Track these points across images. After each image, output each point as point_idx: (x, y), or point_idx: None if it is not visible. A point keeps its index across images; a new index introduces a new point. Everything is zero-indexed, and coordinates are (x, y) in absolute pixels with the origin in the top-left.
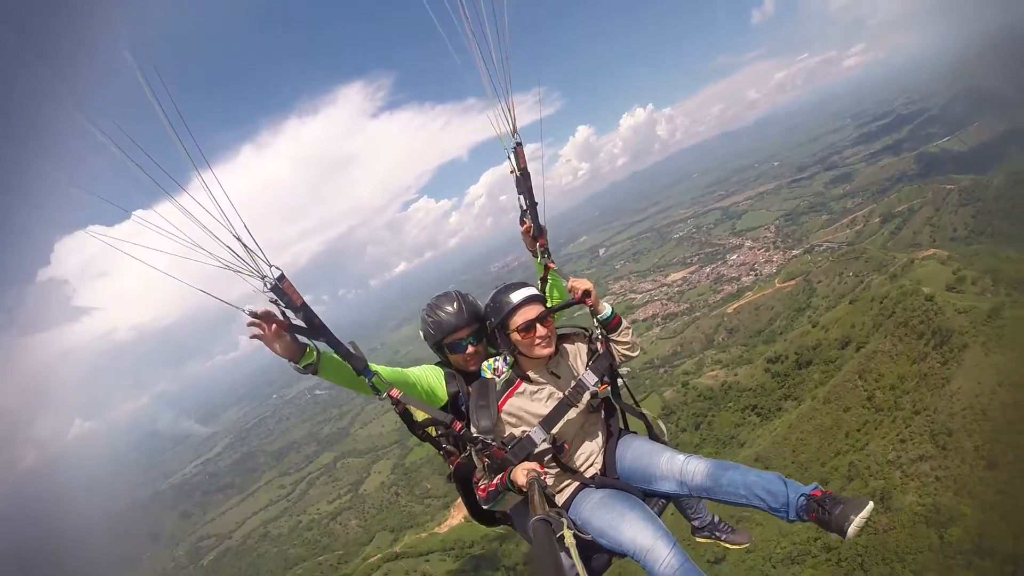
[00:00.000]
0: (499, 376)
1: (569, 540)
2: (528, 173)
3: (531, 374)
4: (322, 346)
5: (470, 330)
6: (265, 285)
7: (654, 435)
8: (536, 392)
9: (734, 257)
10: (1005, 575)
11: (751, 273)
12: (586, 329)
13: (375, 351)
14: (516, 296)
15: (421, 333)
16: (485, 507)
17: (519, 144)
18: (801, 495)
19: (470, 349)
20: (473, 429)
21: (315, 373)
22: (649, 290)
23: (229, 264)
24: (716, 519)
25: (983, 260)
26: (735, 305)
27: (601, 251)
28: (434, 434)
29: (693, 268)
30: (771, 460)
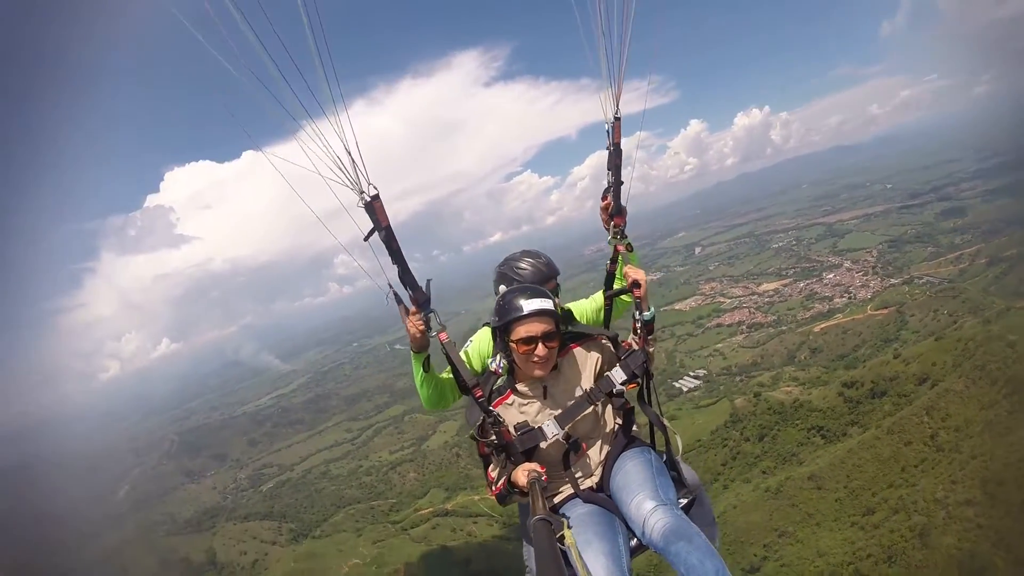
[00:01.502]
0: (496, 375)
1: (569, 540)
2: (620, 150)
3: (520, 386)
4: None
5: (550, 288)
6: (360, 200)
7: (669, 451)
8: (524, 405)
9: (831, 276)
10: None
11: (845, 295)
12: (610, 334)
13: (459, 315)
14: (527, 304)
15: (495, 291)
16: (501, 505)
17: (618, 119)
18: None
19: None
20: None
21: (427, 369)
22: (739, 296)
23: (335, 175)
24: None
25: None
26: (823, 325)
27: (697, 250)
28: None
29: (787, 281)
30: (825, 481)
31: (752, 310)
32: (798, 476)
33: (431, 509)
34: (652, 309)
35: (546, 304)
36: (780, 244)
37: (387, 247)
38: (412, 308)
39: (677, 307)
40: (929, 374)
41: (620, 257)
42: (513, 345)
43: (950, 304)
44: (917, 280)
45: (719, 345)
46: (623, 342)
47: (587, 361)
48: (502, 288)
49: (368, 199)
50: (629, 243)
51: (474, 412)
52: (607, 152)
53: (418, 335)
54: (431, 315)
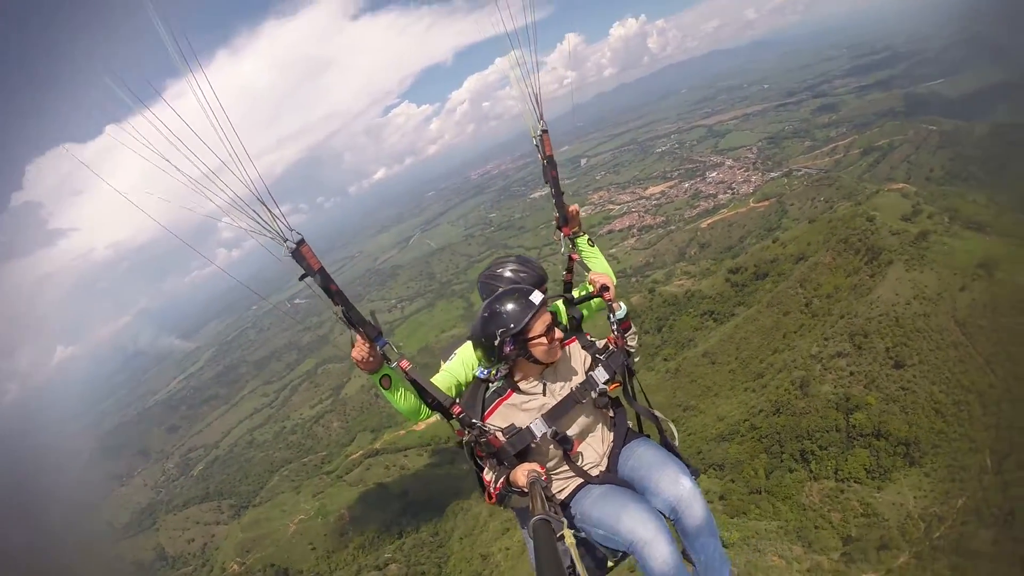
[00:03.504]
0: (492, 382)
1: (569, 540)
2: (554, 161)
3: (522, 384)
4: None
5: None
6: (286, 249)
7: (665, 439)
8: (526, 403)
9: (714, 175)
10: (896, 454)
11: (728, 191)
12: (595, 341)
13: (354, 259)
14: (535, 298)
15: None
16: (500, 506)
17: (545, 132)
18: None
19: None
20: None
21: (387, 388)
22: (627, 202)
23: (254, 227)
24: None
25: (948, 200)
26: (709, 221)
27: (582, 161)
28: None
29: (672, 183)
30: (718, 356)
31: (641, 214)
32: (694, 355)
33: (361, 452)
34: (623, 306)
35: (541, 293)
36: (663, 148)
37: (324, 291)
38: (366, 344)
39: None
40: (805, 253)
41: (576, 264)
42: (536, 340)
43: (826, 192)
44: (796, 172)
45: (612, 250)
46: (608, 338)
47: (581, 357)
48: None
49: (293, 246)
50: (589, 238)
51: (469, 413)
52: (542, 167)
53: (368, 364)
54: (386, 346)
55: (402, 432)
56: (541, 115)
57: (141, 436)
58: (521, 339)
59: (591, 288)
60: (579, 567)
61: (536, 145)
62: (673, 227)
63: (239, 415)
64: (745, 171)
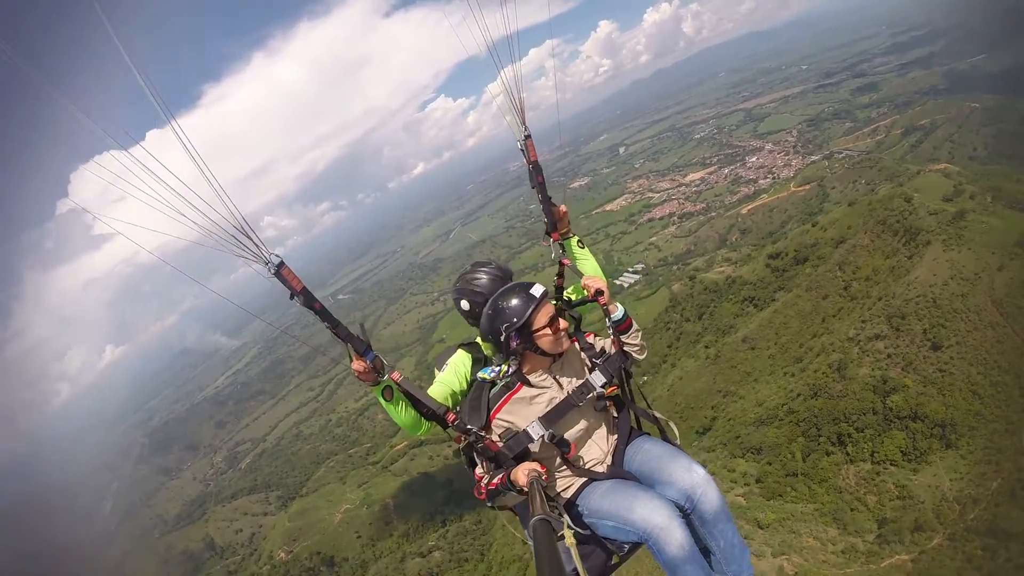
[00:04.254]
0: (499, 379)
1: (569, 540)
2: (540, 167)
3: (532, 378)
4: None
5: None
6: (268, 271)
7: (666, 438)
8: (536, 396)
9: (753, 159)
10: (933, 436)
11: (769, 176)
12: (594, 344)
13: (396, 254)
14: (536, 291)
15: (465, 306)
16: (489, 505)
17: (528, 137)
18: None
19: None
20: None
21: (389, 400)
22: (667, 189)
23: (236, 251)
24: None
25: (991, 179)
26: (750, 207)
27: (621, 150)
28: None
29: (712, 169)
30: (757, 341)
31: (681, 201)
32: (733, 341)
33: (405, 443)
34: (620, 308)
35: (543, 288)
36: (702, 134)
37: (309, 308)
38: (356, 358)
39: (608, 208)
40: (845, 236)
41: (568, 270)
42: (541, 332)
43: (868, 174)
44: (837, 155)
45: (653, 239)
46: (610, 340)
47: (582, 358)
48: (464, 303)
49: (274, 269)
50: (579, 240)
51: (472, 417)
52: (527, 170)
53: (366, 376)
54: (376, 358)
55: None
56: (524, 121)
57: (190, 431)
58: (526, 332)
59: (585, 293)
60: (579, 567)
61: (521, 150)
62: (714, 214)
63: (285, 409)
64: (785, 155)
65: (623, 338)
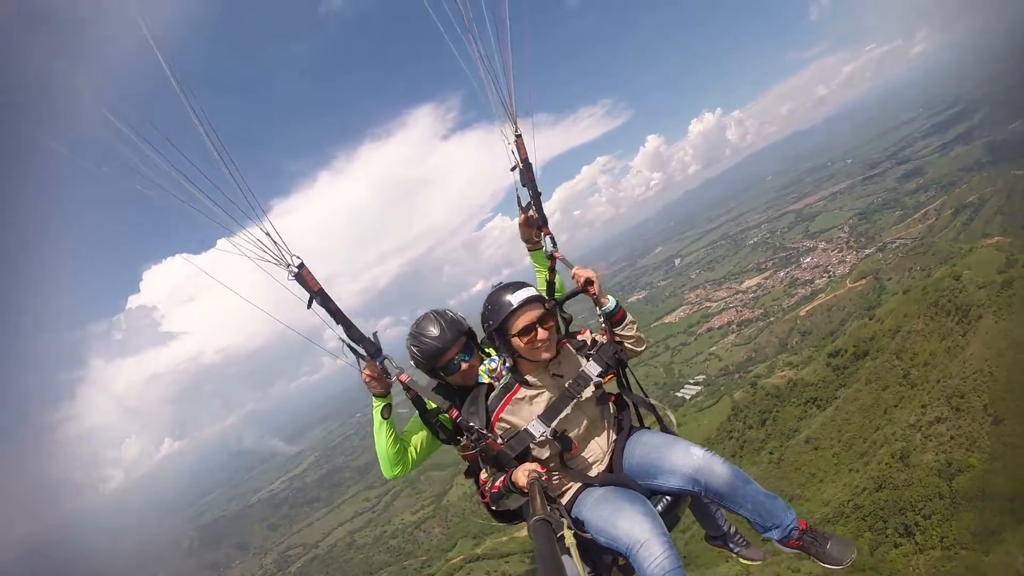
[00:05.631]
0: (497, 380)
1: (570, 540)
2: (530, 164)
3: (530, 378)
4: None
5: (458, 347)
6: (289, 273)
7: (664, 427)
8: (535, 396)
9: (808, 260)
10: (1003, 513)
11: (824, 275)
12: (588, 338)
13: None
14: (515, 297)
15: (412, 363)
16: (493, 508)
17: (519, 136)
18: (792, 520)
19: (464, 366)
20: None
21: (385, 418)
22: (724, 298)
23: (259, 254)
24: (732, 530)
25: None
26: (808, 308)
27: (676, 261)
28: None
29: (767, 273)
30: (820, 441)
31: (739, 308)
32: (796, 443)
33: (462, 557)
34: (611, 299)
35: (529, 292)
36: (755, 239)
37: (325, 309)
38: (368, 361)
39: (666, 320)
40: (902, 325)
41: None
42: (516, 339)
43: (922, 260)
44: (890, 245)
45: (713, 348)
46: (599, 332)
47: (577, 357)
48: (414, 350)
49: (295, 271)
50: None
51: (471, 420)
52: (517, 170)
53: (375, 384)
54: (385, 361)
55: (504, 538)
56: (515, 120)
57: (241, 531)
58: (503, 335)
59: (576, 283)
60: (579, 567)
61: (512, 151)
62: (772, 318)
63: (340, 517)
64: (839, 252)
65: (616, 330)
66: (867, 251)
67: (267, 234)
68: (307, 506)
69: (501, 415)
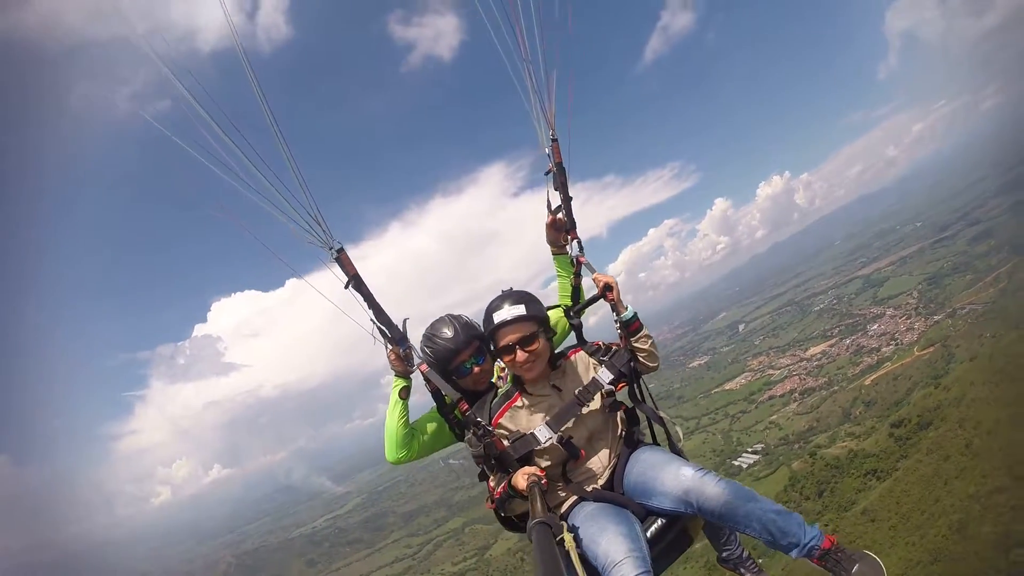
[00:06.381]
0: (503, 382)
1: (569, 543)
2: (563, 168)
3: (529, 388)
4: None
5: (471, 351)
6: (331, 254)
7: (673, 444)
8: (534, 406)
9: (875, 327)
10: None
11: (892, 343)
12: (602, 345)
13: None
14: (499, 315)
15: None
16: (501, 514)
17: (555, 140)
18: (814, 539)
19: (476, 370)
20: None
21: (402, 399)
22: (787, 365)
23: (305, 233)
24: (744, 554)
25: None
26: (873, 377)
27: (740, 327)
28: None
29: (833, 341)
30: (878, 513)
31: (802, 376)
32: (853, 515)
33: None
34: (630, 308)
35: (516, 311)
36: (821, 306)
37: (360, 293)
38: (392, 345)
39: (727, 387)
40: (966, 393)
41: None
42: (502, 353)
43: (993, 326)
44: (960, 311)
45: (774, 417)
46: (612, 344)
47: (587, 364)
48: (427, 351)
49: (336, 254)
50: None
51: (479, 416)
52: (551, 173)
53: (397, 364)
54: (409, 349)
55: None
56: (552, 125)
57: (279, 562)
58: (492, 348)
59: (596, 287)
60: (579, 570)
61: (548, 154)
62: (836, 387)
63: (380, 561)
64: (907, 319)
65: (632, 340)
66: (936, 318)
67: (315, 219)
68: (348, 546)
69: (500, 420)
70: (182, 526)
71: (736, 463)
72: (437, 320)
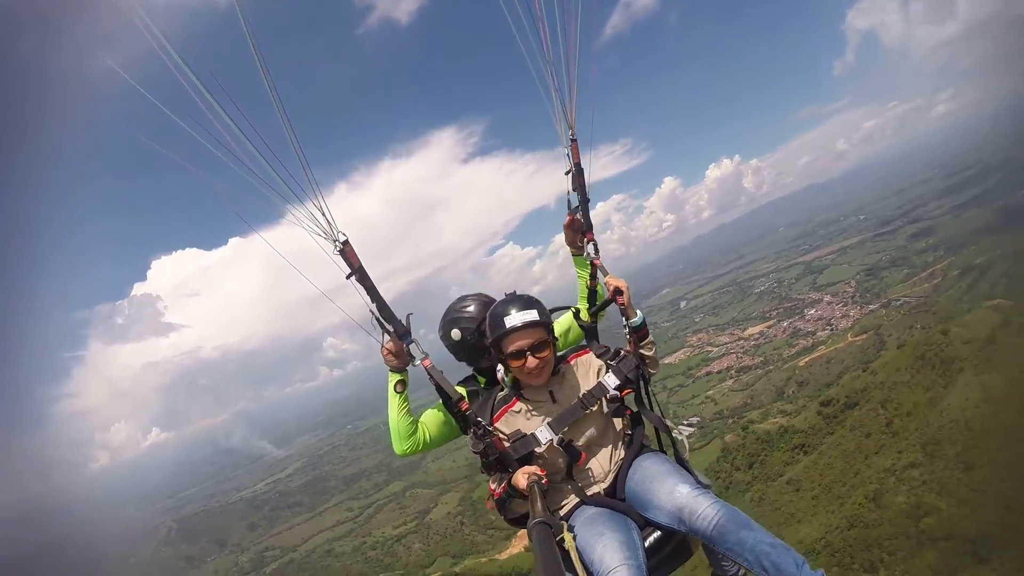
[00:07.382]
0: (503, 384)
1: (569, 543)
2: (582, 169)
3: (527, 393)
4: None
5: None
6: (335, 247)
7: (677, 452)
8: (532, 411)
9: (812, 312)
10: (965, 553)
11: (827, 328)
12: (609, 348)
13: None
14: (512, 319)
15: (446, 348)
16: (502, 513)
17: (574, 140)
18: None
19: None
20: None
21: (399, 393)
22: (726, 343)
23: (312, 228)
24: (742, 573)
25: None
26: (808, 359)
27: (682, 304)
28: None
29: (771, 322)
30: (802, 483)
31: (739, 355)
32: (778, 484)
33: (439, 574)
34: (639, 313)
35: (529, 316)
36: (762, 288)
37: (363, 286)
38: (395, 341)
39: (667, 361)
40: (891, 377)
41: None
42: (508, 359)
43: (924, 318)
44: (894, 303)
45: (710, 392)
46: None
47: (591, 367)
48: (455, 332)
49: (340, 246)
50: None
51: (481, 415)
52: (569, 174)
53: (391, 359)
54: (412, 344)
55: (483, 560)
56: (572, 125)
57: (220, 527)
58: (499, 351)
59: (606, 292)
60: (579, 570)
61: (567, 154)
62: (771, 367)
63: (321, 524)
64: (844, 306)
65: (639, 346)
66: (871, 307)
67: (321, 212)
68: (288, 510)
69: (498, 423)
70: (121, 492)
71: (672, 435)
72: (456, 301)
